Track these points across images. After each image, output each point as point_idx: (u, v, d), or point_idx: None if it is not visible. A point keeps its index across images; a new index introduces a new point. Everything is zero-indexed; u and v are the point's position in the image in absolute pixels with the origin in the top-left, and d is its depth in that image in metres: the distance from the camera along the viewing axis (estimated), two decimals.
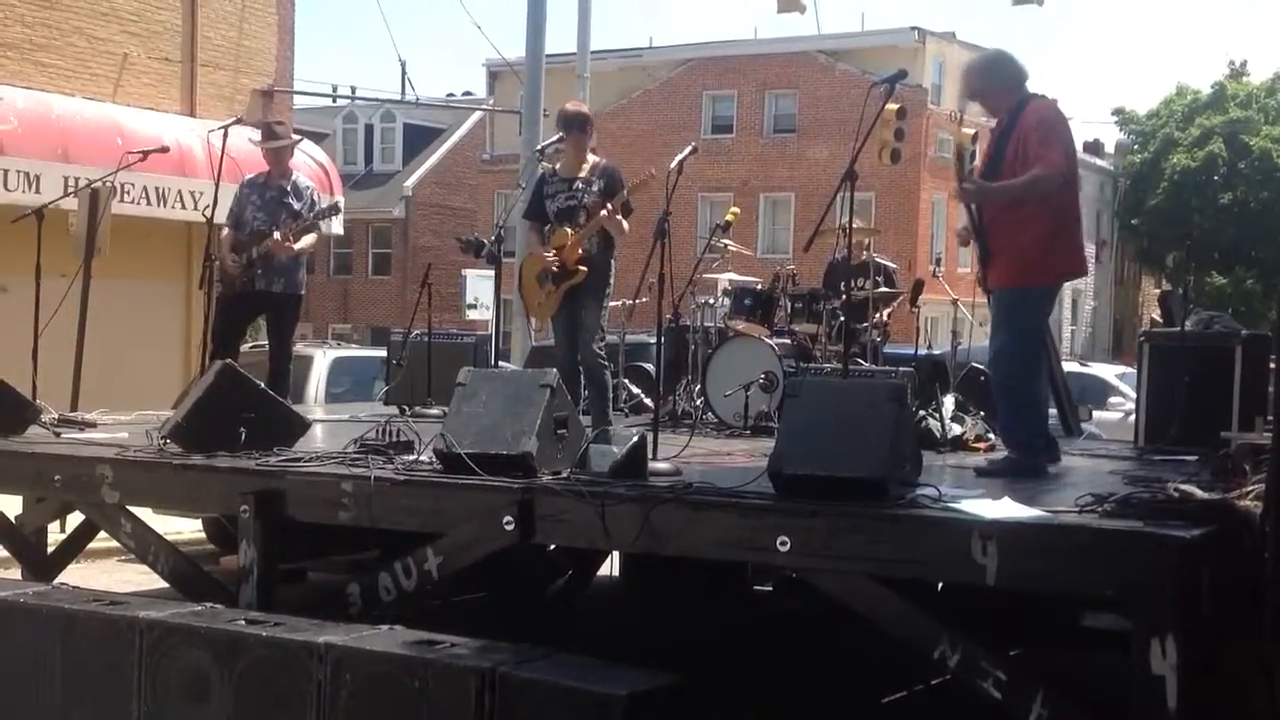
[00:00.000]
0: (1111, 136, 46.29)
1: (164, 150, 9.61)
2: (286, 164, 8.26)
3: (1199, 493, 4.54)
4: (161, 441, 6.20)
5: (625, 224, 7.09)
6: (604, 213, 6.97)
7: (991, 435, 7.02)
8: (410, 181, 39.46)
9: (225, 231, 8.08)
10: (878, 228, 11.69)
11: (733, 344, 8.72)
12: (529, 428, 5.29)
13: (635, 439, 5.32)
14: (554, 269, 7.09)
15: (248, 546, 5.65)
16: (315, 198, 8.24)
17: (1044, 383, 6.44)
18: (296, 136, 9.02)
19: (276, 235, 7.84)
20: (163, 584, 6.50)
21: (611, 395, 7.46)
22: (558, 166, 7.32)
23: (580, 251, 7.04)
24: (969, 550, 4.23)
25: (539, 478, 5.16)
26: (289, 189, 8.12)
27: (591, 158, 7.26)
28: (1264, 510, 4.20)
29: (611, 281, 7.27)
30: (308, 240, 8.07)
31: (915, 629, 4.45)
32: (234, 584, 5.79)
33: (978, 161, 6.23)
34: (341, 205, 9.69)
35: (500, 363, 10.27)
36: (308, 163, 14.90)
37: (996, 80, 6.04)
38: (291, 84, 17.88)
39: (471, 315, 20.02)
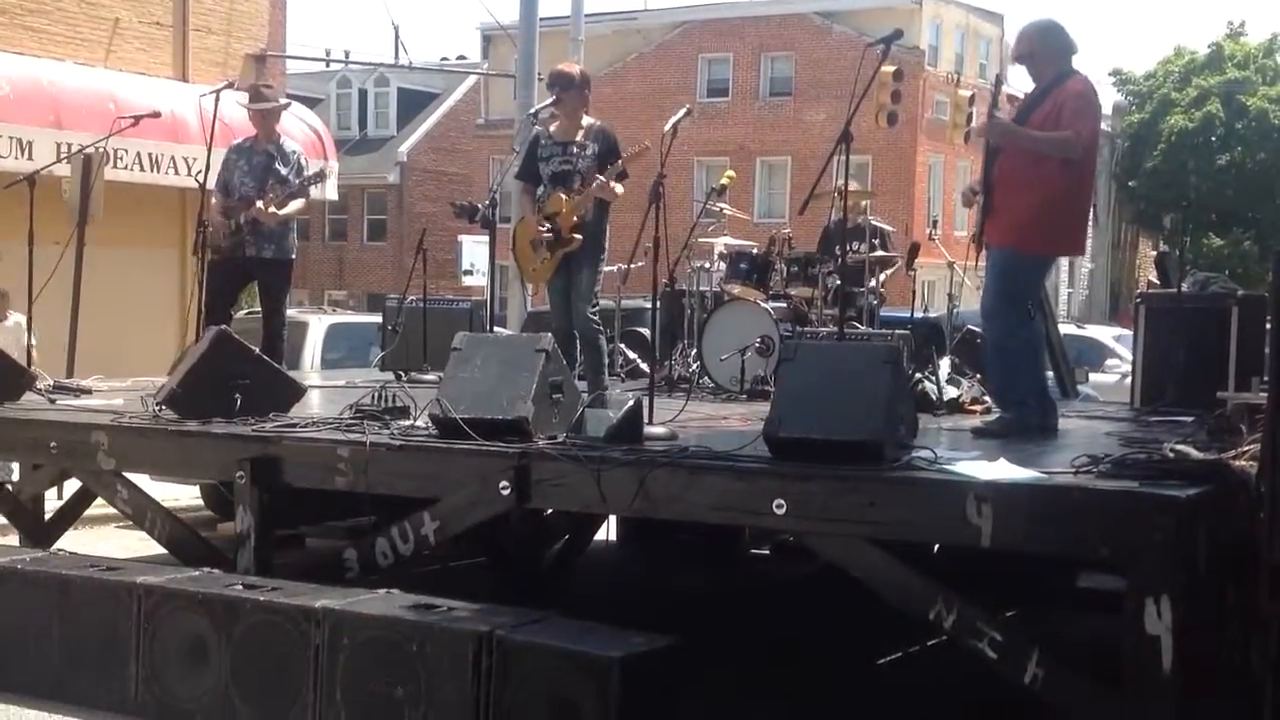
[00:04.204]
0: (1109, 98, 46.12)
1: (156, 115, 9.53)
2: (274, 128, 8.19)
3: (1195, 453, 4.55)
4: (157, 408, 6.20)
5: (619, 188, 7.05)
6: (597, 183, 6.92)
7: (988, 398, 7.01)
8: (405, 147, 39.27)
9: (214, 198, 8.04)
10: (872, 190, 11.63)
11: (729, 308, 8.70)
12: (524, 393, 5.28)
13: (631, 403, 5.32)
14: (548, 237, 7.06)
15: (245, 512, 5.66)
16: (302, 162, 8.19)
17: (1041, 345, 6.44)
18: (284, 100, 8.95)
19: (260, 205, 7.78)
20: (160, 550, 6.51)
21: (607, 360, 7.45)
22: (553, 128, 7.27)
23: (575, 218, 7.00)
24: (964, 512, 4.24)
25: (535, 442, 5.16)
26: (276, 154, 8.07)
27: (587, 120, 7.21)
28: (1259, 470, 4.20)
29: (606, 246, 7.24)
30: (295, 206, 8.01)
31: (911, 590, 4.47)
32: (231, 550, 5.80)
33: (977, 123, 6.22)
34: (328, 171, 9.65)
35: (495, 328, 10.26)
36: (302, 128, 14.81)
37: (1049, 47, 6.05)
38: (284, 48, 17.75)
39: (467, 281, 19.98)
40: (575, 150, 7.10)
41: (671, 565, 7.90)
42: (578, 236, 7.00)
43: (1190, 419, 6.32)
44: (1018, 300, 6.01)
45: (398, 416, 5.92)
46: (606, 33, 33.93)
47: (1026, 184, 5.85)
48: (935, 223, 28.62)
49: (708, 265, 9.38)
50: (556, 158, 7.15)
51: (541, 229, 7.06)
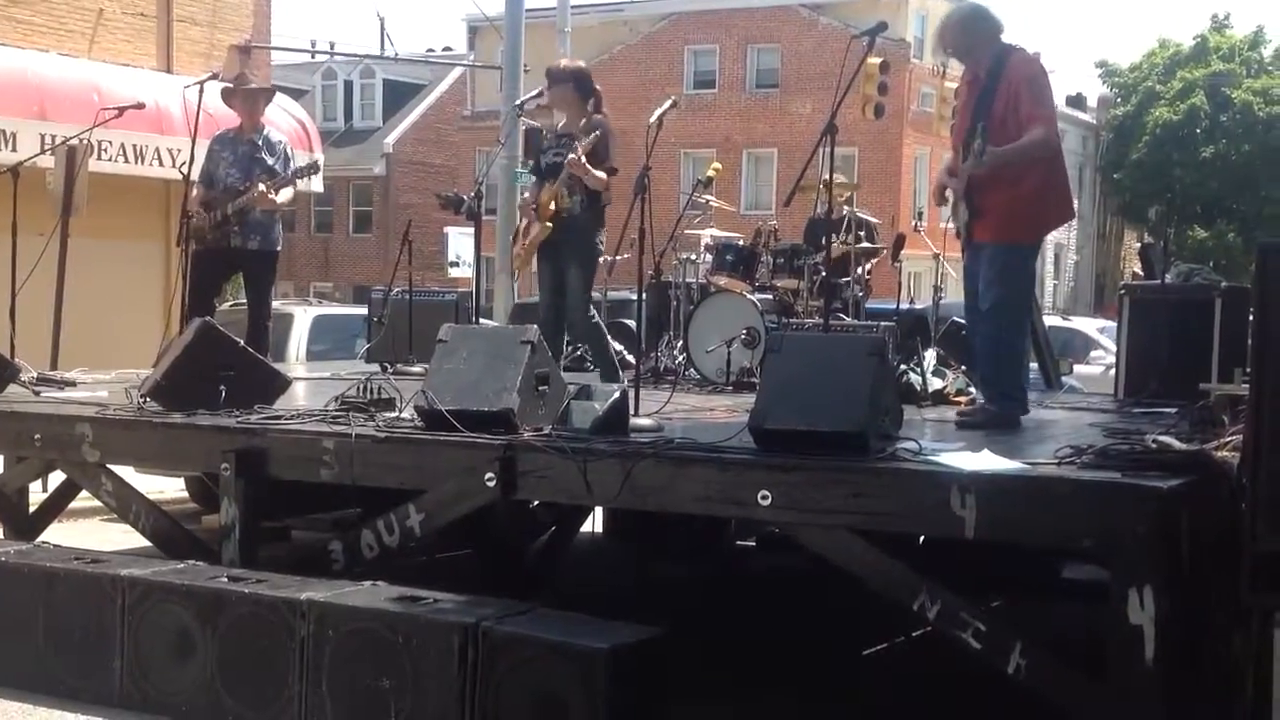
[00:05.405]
0: (1094, 90, 46.29)
1: (140, 106, 9.51)
2: (259, 117, 8.17)
3: (1177, 444, 4.57)
4: (141, 400, 6.18)
5: (599, 175, 7.05)
6: (569, 158, 6.95)
7: (972, 389, 7.03)
8: (390, 138, 39.20)
9: (196, 190, 8.01)
10: (858, 183, 11.65)
11: (715, 300, 8.71)
12: (510, 384, 5.28)
13: (617, 395, 5.32)
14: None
15: (229, 504, 5.64)
16: (289, 152, 8.18)
17: (1026, 337, 6.46)
18: (268, 85, 8.93)
19: (261, 188, 7.77)
20: (145, 543, 6.50)
21: (613, 351, 7.48)
22: (559, 124, 7.38)
23: (553, 207, 7.05)
24: (949, 502, 4.25)
25: (521, 434, 5.16)
26: (261, 144, 8.04)
27: (589, 117, 7.28)
28: (1241, 461, 4.22)
29: (598, 244, 7.26)
30: (286, 195, 8.00)
31: (895, 581, 4.47)
32: (216, 542, 5.79)
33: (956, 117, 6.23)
34: (320, 164, 9.65)
35: (481, 320, 10.25)
36: (287, 120, 14.77)
37: (977, 36, 6.03)
38: (269, 39, 17.68)
39: (453, 273, 19.95)
40: (566, 142, 7.18)
41: (657, 558, 7.91)
42: (549, 225, 7.04)
43: (1173, 410, 6.34)
44: (1020, 291, 6.04)
45: (383, 408, 5.90)
46: (593, 24, 33.92)
47: (1008, 181, 5.86)
48: (921, 214, 28.62)
49: (694, 257, 9.39)
50: (552, 150, 7.28)
51: (531, 211, 7.17)
